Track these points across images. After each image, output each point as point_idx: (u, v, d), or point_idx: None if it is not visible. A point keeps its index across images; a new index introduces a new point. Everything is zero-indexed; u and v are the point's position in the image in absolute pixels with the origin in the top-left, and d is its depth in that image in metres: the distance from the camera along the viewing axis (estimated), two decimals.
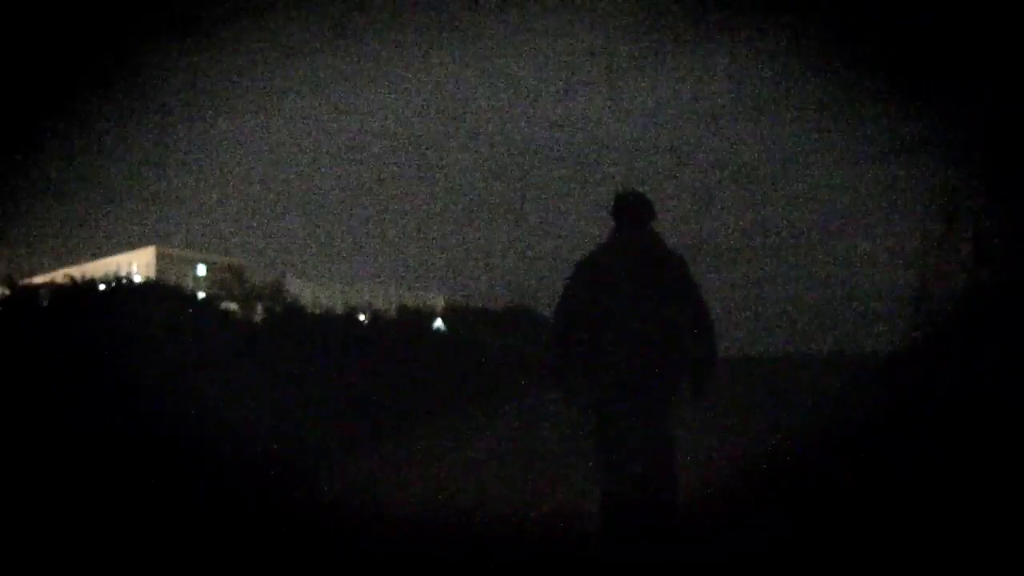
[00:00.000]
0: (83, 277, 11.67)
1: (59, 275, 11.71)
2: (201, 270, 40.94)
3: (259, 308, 12.32)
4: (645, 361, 3.43)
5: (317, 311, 15.84)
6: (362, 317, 26.95)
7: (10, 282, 8.15)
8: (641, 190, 3.78)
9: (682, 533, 3.56)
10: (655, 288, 3.48)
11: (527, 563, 3.61)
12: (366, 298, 44.73)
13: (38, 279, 11.05)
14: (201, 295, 9.80)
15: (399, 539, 4.01)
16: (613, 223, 3.73)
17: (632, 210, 3.67)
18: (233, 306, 10.34)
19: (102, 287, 9.42)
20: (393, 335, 11.90)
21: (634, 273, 3.49)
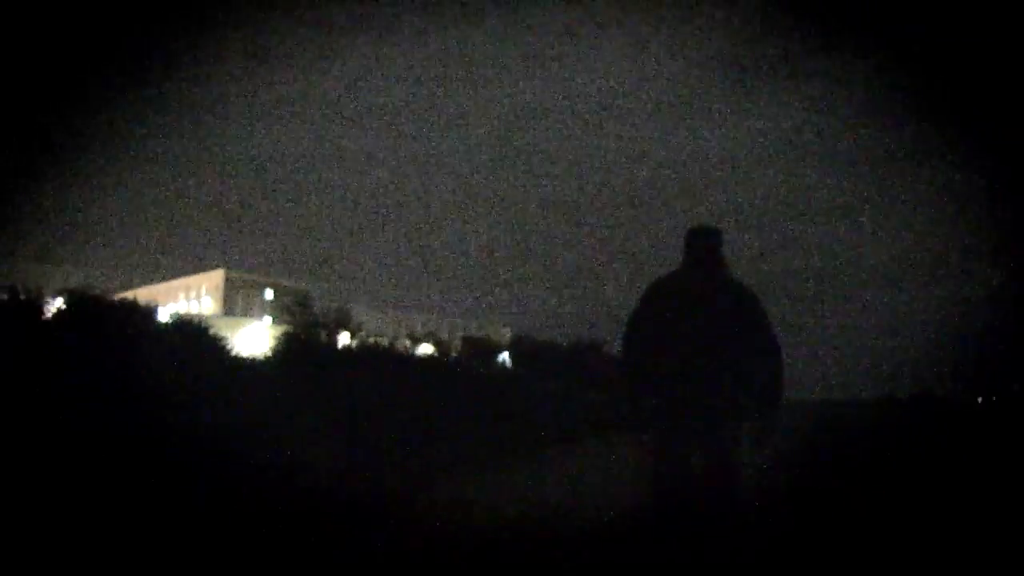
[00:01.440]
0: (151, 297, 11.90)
1: (133, 294, 12.05)
2: (269, 295, 41.82)
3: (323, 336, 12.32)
4: (711, 397, 3.40)
5: (380, 339, 15.81)
6: (426, 347, 26.92)
7: (71, 297, 8.15)
8: (714, 225, 3.79)
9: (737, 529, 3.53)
10: (725, 321, 3.45)
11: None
12: (431, 327, 44.84)
13: (117, 296, 11.31)
14: (266, 343, 9.72)
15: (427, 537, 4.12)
16: (684, 254, 3.73)
17: (705, 243, 3.68)
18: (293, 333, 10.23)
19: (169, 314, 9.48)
20: (454, 372, 11.62)
21: (704, 305, 3.47)
